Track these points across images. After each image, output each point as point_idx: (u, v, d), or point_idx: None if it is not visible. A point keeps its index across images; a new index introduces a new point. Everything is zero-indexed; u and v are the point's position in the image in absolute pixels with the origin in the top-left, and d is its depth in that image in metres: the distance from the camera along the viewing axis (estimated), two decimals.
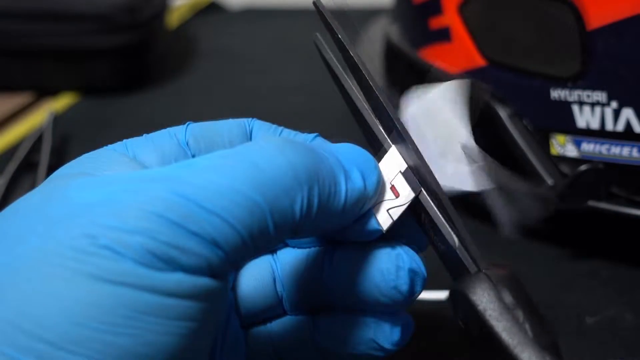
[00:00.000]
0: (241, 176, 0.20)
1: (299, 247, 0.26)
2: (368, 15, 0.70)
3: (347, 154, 0.23)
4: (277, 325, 0.26)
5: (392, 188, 0.24)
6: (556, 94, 0.34)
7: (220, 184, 0.19)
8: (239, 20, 0.81)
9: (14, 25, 0.57)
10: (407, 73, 0.45)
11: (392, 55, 0.48)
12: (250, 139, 0.25)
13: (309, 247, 0.26)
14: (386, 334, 0.24)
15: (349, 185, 0.22)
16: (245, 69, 0.66)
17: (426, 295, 0.33)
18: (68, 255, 0.18)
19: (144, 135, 0.25)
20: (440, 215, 0.23)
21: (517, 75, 0.36)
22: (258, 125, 0.25)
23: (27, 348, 0.17)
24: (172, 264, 0.18)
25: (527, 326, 0.21)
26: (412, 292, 0.24)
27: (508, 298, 0.22)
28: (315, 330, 0.25)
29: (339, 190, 0.22)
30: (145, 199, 0.19)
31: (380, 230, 0.23)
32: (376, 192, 0.23)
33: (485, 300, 0.21)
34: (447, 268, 0.23)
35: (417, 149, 0.23)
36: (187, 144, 0.24)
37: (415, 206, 0.24)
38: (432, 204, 0.23)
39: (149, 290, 0.18)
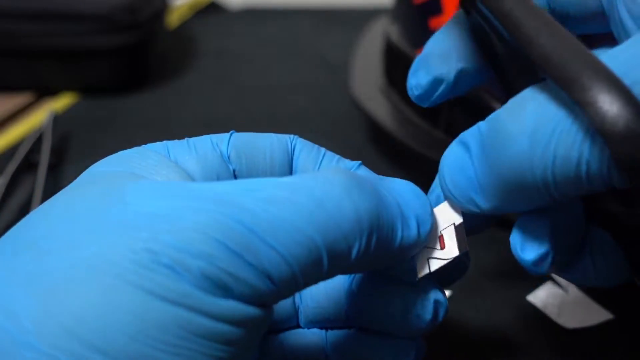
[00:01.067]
0: (305, 214, 0.20)
1: None
2: (368, 15, 0.70)
3: (406, 197, 0.23)
4: (289, 336, 0.26)
5: (440, 237, 0.23)
6: None
7: (283, 218, 0.19)
8: (239, 20, 0.81)
9: (14, 25, 0.57)
10: (407, 73, 0.45)
11: (392, 55, 0.48)
12: (292, 158, 0.25)
13: None
14: (399, 356, 0.25)
15: (404, 233, 0.22)
16: (245, 69, 0.66)
17: None
18: (129, 268, 0.18)
19: (186, 139, 0.24)
20: None
21: None
22: (300, 145, 0.25)
23: (81, 357, 0.18)
24: (226, 291, 0.19)
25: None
26: (435, 322, 0.24)
27: None
28: (329, 345, 0.25)
29: (395, 237, 0.22)
30: (207, 222, 0.19)
31: (415, 278, 0.23)
32: (427, 240, 0.23)
33: None
34: None
35: None
36: (229, 157, 0.24)
37: None
38: None
39: (203, 313, 0.18)
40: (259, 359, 0.26)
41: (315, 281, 0.21)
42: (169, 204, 0.19)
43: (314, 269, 0.20)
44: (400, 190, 0.23)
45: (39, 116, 0.56)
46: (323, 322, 0.26)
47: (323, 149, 0.25)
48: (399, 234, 0.22)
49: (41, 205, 0.21)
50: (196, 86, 0.62)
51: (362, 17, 0.71)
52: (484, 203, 0.21)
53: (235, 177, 0.24)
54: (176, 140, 0.24)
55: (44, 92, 0.60)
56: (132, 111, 0.57)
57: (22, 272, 0.19)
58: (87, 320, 0.18)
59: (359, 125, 0.52)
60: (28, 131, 0.53)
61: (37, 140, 0.47)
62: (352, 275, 0.25)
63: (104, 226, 0.19)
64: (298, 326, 0.26)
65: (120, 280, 0.18)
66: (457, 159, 0.22)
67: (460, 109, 0.40)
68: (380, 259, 0.22)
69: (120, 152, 0.23)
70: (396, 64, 0.47)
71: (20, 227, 0.20)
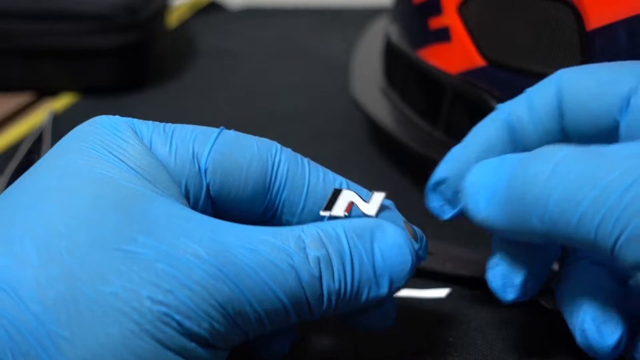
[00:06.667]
0: (282, 281, 0.23)
1: None
2: (368, 15, 0.70)
3: (387, 253, 0.25)
4: None
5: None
6: None
7: (269, 286, 0.23)
8: (239, 20, 0.81)
9: (14, 25, 0.57)
10: (407, 73, 0.45)
11: (392, 55, 0.48)
12: (275, 173, 0.26)
13: None
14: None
15: (372, 293, 0.25)
16: (245, 69, 0.66)
17: (426, 293, 0.33)
18: (147, 317, 0.21)
19: (164, 130, 0.26)
20: None
21: (517, 75, 0.36)
22: (285, 158, 0.26)
23: None
24: (215, 345, 0.23)
25: None
26: None
27: None
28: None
29: (360, 296, 0.25)
30: (212, 282, 0.22)
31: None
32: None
33: None
34: None
35: None
36: (206, 171, 0.25)
37: None
38: None
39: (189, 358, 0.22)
40: None
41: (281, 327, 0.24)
42: (169, 253, 0.22)
43: (282, 324, 0.24)
44: (384, 246, 0.25)
45: (39, 116, 0.56)
46: None
47: (306, 162, 0.27)
48: (365, 295, 0.24)
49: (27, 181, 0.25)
50: (196, 86, 0.62)
51: (362, 17, 0.71)
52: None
53: (208, 189, 0.26)
54: (158, 127, 0.27)
55: (44, 92, 0.60)
56: (132, 111, 0.57)
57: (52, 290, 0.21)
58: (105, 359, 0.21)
59: (359, 125, 0.52)
60: (28, 131, 0.53)
61: (37, 140, 0.47)
62: None
63: (125, 262, 0.22)
64: None
65: (138, 327, 0.21)
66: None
67: (460, 109, 0.40)
68: (347, 309, 0.25)
69: (98, 123, 0.27)
70: (396, 64, 0.47)
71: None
